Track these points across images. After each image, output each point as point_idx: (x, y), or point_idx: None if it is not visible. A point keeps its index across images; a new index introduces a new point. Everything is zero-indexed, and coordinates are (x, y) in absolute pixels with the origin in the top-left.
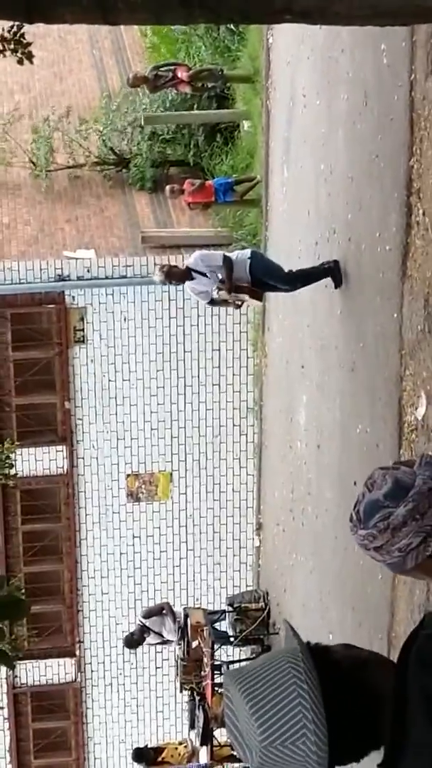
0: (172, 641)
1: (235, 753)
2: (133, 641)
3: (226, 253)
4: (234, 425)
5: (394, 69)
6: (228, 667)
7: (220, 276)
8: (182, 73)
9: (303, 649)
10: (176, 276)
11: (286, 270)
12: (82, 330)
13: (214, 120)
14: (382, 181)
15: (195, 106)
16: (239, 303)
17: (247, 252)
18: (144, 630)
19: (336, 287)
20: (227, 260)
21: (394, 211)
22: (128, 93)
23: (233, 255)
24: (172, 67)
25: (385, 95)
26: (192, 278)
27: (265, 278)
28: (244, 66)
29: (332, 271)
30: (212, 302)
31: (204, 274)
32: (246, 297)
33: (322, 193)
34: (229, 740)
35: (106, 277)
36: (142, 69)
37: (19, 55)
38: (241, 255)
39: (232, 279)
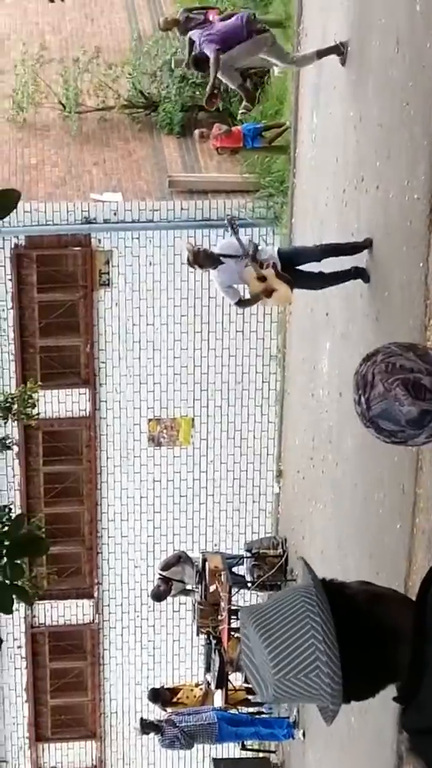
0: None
1: (249, 697)
2: (161, 593)
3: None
4: (256, 372)
5: (426, 16)
6: None
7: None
8: (213, 17)
9: (316, 583)
10: (204, 261)
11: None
12: (108, 273)
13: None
14: (411, 128)
15: None
16: (269, 291)
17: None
18: (166, 581)
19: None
20: (253, 243)
21: (423, 160)
22: (159, 36)
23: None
24: (204, 11)
25: (418, 42)
26: (221, 263)
27: (294, 258)
28: (276, 10)
29: (363, 246)
30: (240, 303)
31: (232, 257)
32: (273, 277)
33: (351, 141)
34: (246, 675)
35: (133, 221)
36: (173, 12)
37: None
38: (267, 248)
39: (257, 257)
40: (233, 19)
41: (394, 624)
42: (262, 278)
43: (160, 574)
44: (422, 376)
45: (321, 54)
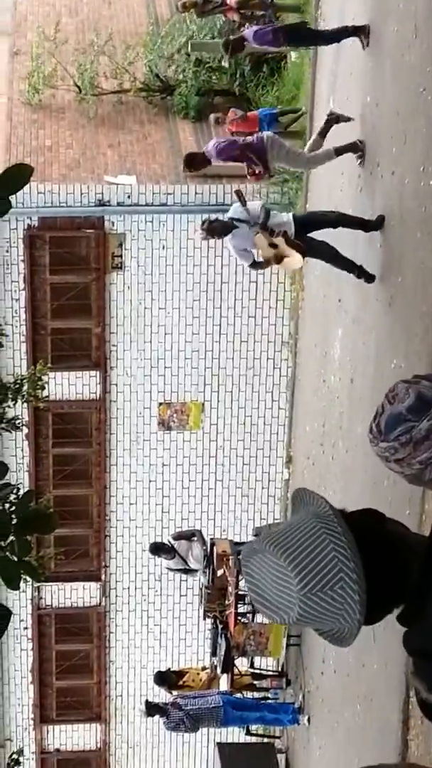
0: (195, 570)
1: (255, 682)
2: (157, 547)
3: (266, 205)
4: (268, 358)
5: None
6: None
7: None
8: (231, 1)
9: (329, 505)
10: (218, 230)
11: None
12: (120, 256)
13: (261, 50)
14: (428, 114)
15: None
16: (279, 257)
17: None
18: (170, 549)
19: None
20: (265, 208)
21: None
22: (176, 20)
23: (272, 212)
24: None
25: None
26: (235, 227)
27: (308, 223)
28: None
29: (375, 224)
30: (254, 264)
31: (245, 222)
32: (284, 245)
33: (368, 126)
34: (256, 607)
35: (147, 204)
36: None
37: None
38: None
39: (268, 224)
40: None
41: (404, 539)
42: (274, 245)
43: (169, 542)
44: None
45: (339, 151)
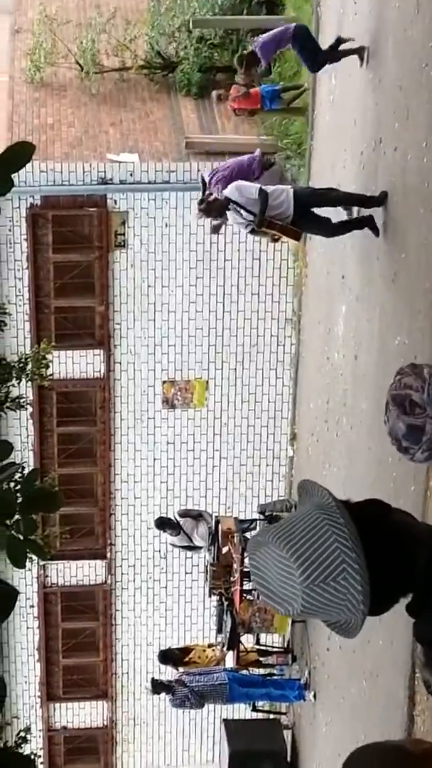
0: (199, 547)
1: (261, 659)
2: (163, 522)
3: (263, 187)
4: (272, 335)
5: None
6: None
7: (252, 210)
8: None
9: (332, 496)
10: (214, 211)
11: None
12: (123, 234)
13: (263, 26)
14: (430, 89)
15: (244, 11)
16: (276, 237)
17: (287, 186)
18: (176, 525)
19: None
20: (262, 193)
21: None
22: None
23: (271, 188)
24: None
25: None
26: (230, 209)
27: (309, 201)
28: None
29: (378, 200)
30: (253, 231)
31: (242, 207)
32: (278, 233)
33: (370, 102)
34: (263, 599)
35: (149, 182)
36: None
37: None
38: (281, 188)
39: (265, 214)
40: (246, 157)
41: (410, 529)
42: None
43: (176, 518)
44: (412, 392)
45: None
